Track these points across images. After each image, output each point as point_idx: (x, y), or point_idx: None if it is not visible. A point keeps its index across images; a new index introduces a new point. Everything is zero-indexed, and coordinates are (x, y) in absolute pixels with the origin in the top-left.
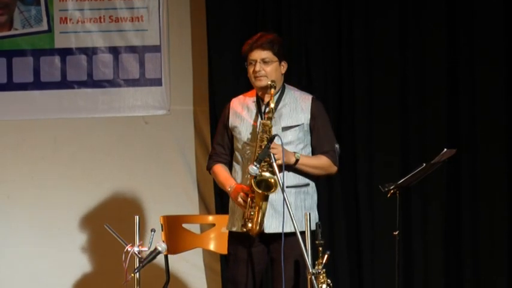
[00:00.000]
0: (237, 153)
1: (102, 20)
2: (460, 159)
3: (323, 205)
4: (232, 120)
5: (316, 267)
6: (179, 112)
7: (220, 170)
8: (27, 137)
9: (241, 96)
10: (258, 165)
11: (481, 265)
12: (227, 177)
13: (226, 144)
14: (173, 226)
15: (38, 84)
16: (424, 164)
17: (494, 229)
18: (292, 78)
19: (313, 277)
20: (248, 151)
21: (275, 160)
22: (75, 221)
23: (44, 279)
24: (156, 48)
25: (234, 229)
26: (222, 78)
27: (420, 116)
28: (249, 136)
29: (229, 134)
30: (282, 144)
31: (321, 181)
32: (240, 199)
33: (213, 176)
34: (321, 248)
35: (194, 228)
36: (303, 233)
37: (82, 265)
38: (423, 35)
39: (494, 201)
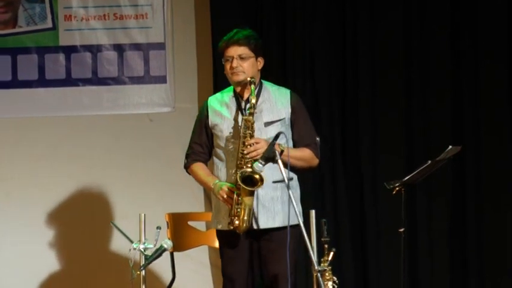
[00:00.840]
0: (218, 150)
1: (106, 17)
2: (464, 157)
3: (328, 203)
4: (212, 119)
5: (322, 265)
6: (184, 109)
7: (200, 168)
8: (30, 134)
9: (218, 94)
10: (263, 163)
11: (485, 262)
12: (209, 175)
13: (204, 143)
14: (179, 223)
15: (42, 81)
16: (429, 161)
17: (499, 226)
18: (296, 80)
19: (319, 274)
20: (231, 148)
21: (280, 157)
22: (79, 219)
23: (43, 277)
24: (161, 46)
25: (219, 227)
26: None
27: (425, 118)
28: (231, 133)
29: (209, 133)
30: (285, 142)
31: (326, 179)
32: (225, 196)
33: (192, 174)
34: (326, 246)
35: (200, 225)
36: (291, 227)
37: (84, 263)
38: (427, 37)
39: (498, 198)
